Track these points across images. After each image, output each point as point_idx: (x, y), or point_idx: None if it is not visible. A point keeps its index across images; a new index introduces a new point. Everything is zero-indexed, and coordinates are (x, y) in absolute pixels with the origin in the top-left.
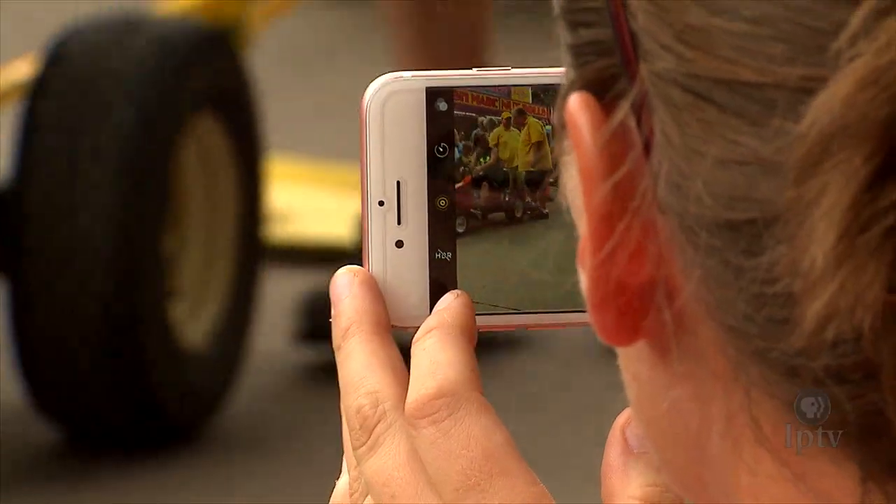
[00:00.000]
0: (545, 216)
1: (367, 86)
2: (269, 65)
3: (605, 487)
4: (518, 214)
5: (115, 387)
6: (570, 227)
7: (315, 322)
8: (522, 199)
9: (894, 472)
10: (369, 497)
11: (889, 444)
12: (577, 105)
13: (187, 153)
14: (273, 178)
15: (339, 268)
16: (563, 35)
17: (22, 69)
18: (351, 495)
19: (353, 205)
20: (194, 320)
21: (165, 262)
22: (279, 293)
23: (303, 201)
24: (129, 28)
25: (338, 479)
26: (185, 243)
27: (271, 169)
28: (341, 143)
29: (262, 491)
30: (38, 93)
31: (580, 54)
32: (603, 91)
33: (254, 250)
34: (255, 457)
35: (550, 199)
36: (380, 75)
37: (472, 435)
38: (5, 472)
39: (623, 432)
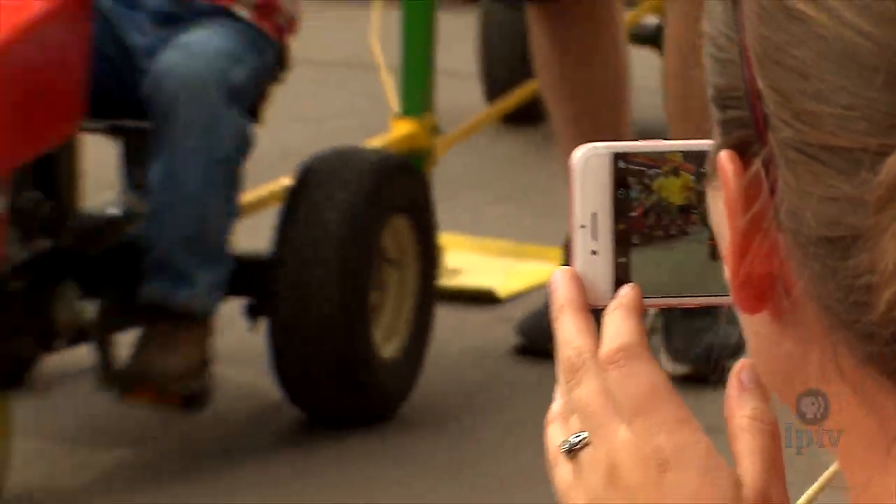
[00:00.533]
0: (689, 234)
1: (574, 156)
2: (448, 178)
3: (725, 412)
4: (672, 233)
5: (342, 386)
6: (709, 240)
7: (530, 339)
8: (675, 223)
9: None
10: (574, 417)
11: None
12: (725, 159)
13: (387, 239)
14: (447, 247)
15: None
16: (714, 113)
17: (284, 182)
18: (561, 414)
19: (502, 265)
20: (389, 342)
21: (372, 307)
22: (449, 324)
23: (466, 262)
24: (350, 156)
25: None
26: (384, 295)
27: (446, 241)
28: (497, 226)
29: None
30: (292, 197)
31: (727, 126)
32: (742, 151)
33: (430, 296)
34: (447, 433)
35: (694, 223)
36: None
37: (643, 376)
38: (264, 447)
39: (739, 375)
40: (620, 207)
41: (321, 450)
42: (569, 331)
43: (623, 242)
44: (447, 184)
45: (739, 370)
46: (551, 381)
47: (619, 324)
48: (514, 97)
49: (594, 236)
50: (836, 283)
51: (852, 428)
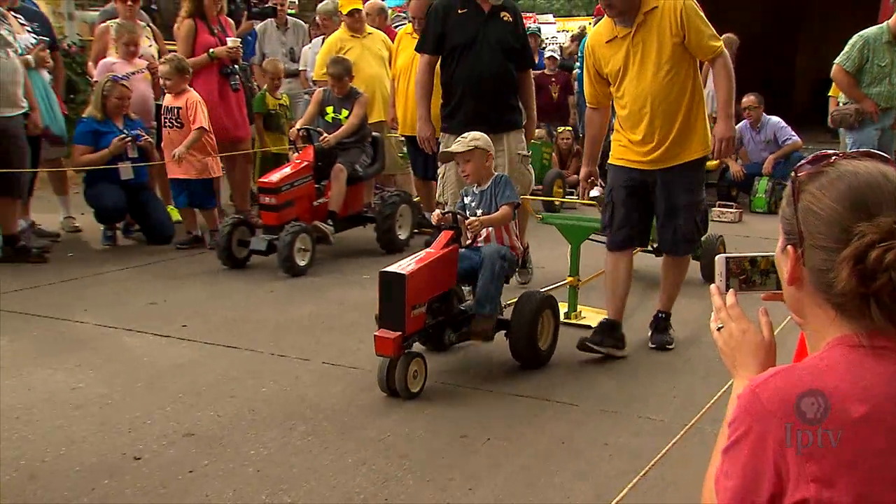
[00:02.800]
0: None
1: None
2: None
3: (759, 314)
4: (767, 280)
5: (530, 354)
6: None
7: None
8: (766, 274)
9: None
10: (719, 321)
11: None
12: (788, 246)
13: (545, 315)
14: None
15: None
16: (780, 231)
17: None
18: (715, 321)
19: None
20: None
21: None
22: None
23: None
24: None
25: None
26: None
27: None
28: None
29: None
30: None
31: (788, 235)
32: (795, 243)
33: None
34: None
35: (774, 272)
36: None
37: (750, 334)
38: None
39: (763, 310)
40: (734, 274)
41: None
42: (718, 302)
43: (741, 284)
44: None
45: (763, 311)
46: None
47: (728, 300)
48: None
49: (726, 287)
50: (830, 286)
51: (814, 324)
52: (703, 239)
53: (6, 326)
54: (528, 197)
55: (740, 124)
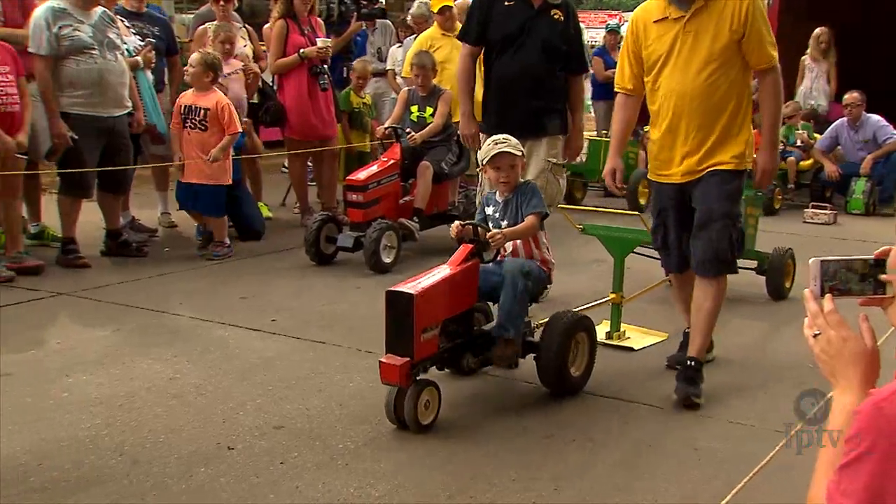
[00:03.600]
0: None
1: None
2: None
3: (860, 320)
4: (865, 285)
5: (559, 383)
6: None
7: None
8: (864, 278)
9: None
10: (815, 327)
11: None
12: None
13: (577, 335)
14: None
15: None
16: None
17: None
18: (809, 327)
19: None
20: (577, 370)
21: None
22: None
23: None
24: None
25: None
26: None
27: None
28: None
29: None
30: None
31: None
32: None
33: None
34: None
35: (872, 276)
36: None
37: (851, 342)
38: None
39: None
40: (829, 279)
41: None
42: (814, 308)
43: (835, 289)
44: None
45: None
46: None
47: (826, 306)
48: None
49: (821, 292)
50: None
51: None
52: (770, 251)
53: (110, 317)
54: (566, 206)
55: (837, 122)
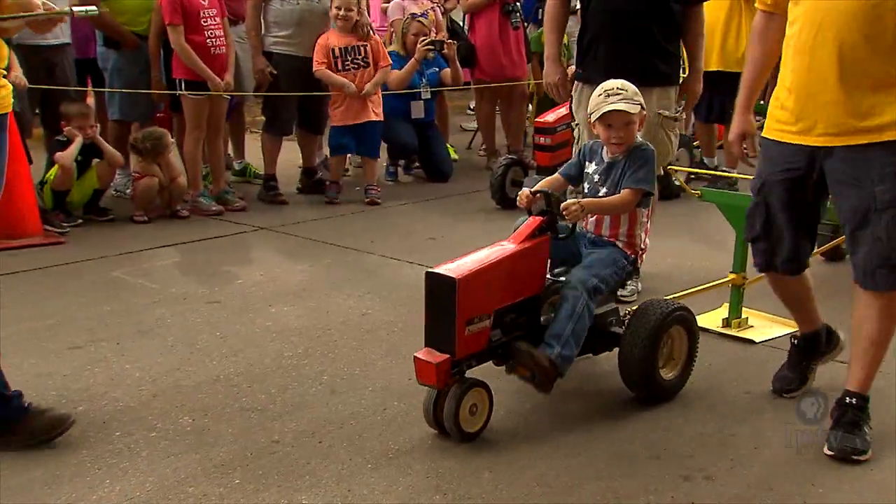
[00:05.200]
0: None
1: None
2: None
3: None
4: None
5: (647, 386)
6: None
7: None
8: None
9: None
10: None
11: None
12: None
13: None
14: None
15: None
16: None
17: None
18: None
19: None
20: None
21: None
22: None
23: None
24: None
25: None
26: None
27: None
28: None
29: None
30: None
31: None
32: None
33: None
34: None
35: None
36: None
37: None
38: None
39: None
40: None
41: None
42: None
43: None
44: None
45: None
46: None
47: None
48: None
49: None
50: None
51: None
52: None
53: (306, 252)
54: (679, 168)
55: None
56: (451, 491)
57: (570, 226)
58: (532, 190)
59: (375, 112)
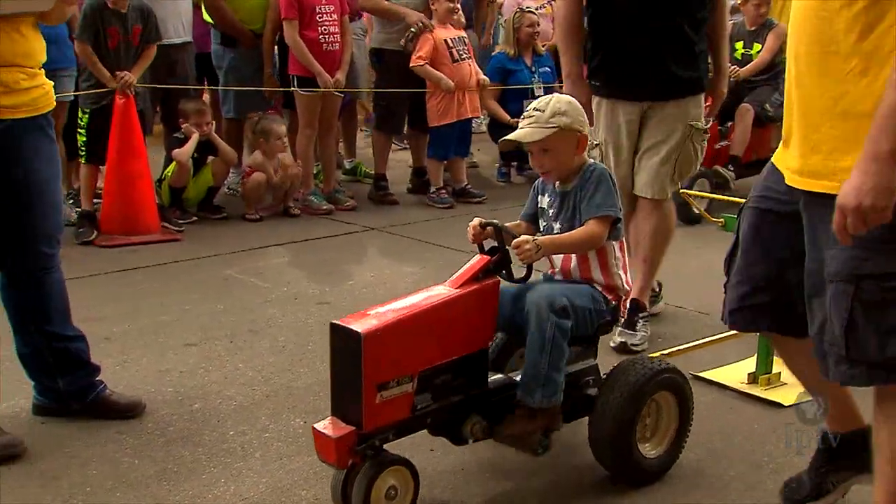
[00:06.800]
0: None
1: None
2: None
3: None
4: None
5: (621, 466)
6: None
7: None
8: None
9: None
10: None
11: None
12: None
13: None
14: None
15: None
16: None
17: None
18: None
19: None
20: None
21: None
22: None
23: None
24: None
25: None
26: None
27: None
28: None
29: None
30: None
31: None
32: None
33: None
34: None
35: None
36: None
37: None
38: None
39: None
40: None
41: None
42: None
43: None
44: None
45: None
46: None
47: None
48: None
49: None
50: None
51: None
52: None
53: (416, 254)
54: (691, 192)
55: None
56: None
57: (526, 267)
58: (481, 222)
59: (474, 108)
